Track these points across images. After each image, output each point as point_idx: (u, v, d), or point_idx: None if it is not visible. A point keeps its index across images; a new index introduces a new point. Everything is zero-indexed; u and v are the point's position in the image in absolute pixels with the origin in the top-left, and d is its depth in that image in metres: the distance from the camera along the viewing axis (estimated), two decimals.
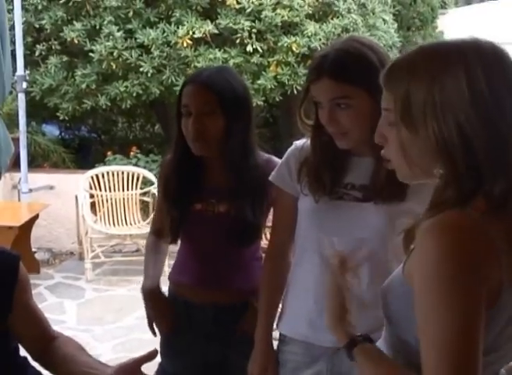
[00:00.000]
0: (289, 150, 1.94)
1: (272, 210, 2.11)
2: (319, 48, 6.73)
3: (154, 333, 2.29)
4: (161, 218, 2.25)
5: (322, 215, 1.81)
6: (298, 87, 6.82)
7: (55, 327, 4.93)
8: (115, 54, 6.75)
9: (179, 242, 2.26)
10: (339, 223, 1.79)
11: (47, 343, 1.96)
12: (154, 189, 6.44)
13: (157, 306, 2.25)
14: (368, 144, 1.66)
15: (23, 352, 1.99)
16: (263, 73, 6.77)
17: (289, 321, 1.93)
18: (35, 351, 1.95)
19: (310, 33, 6.77)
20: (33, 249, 6.29)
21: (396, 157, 1.28)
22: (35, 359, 1.97)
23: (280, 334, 1.96)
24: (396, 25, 7.93)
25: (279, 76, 6.74)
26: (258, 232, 2.15)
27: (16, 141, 6.25)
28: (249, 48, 6.76)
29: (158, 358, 2.21)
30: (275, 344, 1.99)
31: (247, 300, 2.16)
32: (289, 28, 6.96)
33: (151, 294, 2.25)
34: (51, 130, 9.61)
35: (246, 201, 2.06)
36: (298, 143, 1.93)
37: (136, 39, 6.84)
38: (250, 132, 2.11)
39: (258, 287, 2.02)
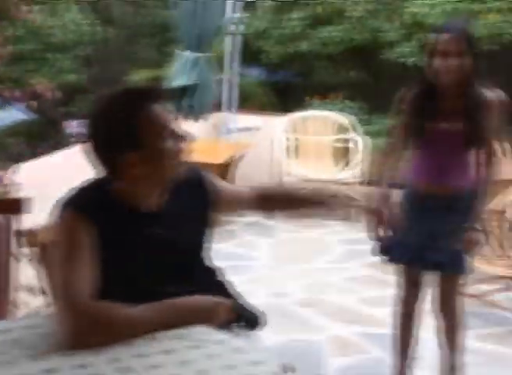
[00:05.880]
0: None
1: None
2: None
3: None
4: (395, 138, 2.94)
5: None
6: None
7: (248, 263, 5.16)
8: None
9: None
10: None
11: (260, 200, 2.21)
12: (352, 135, 6.44)
13: (385, 206, 2.85)
14: None
15: None
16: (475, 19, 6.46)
17: None
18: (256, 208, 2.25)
19: None
20: None
21: None
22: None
23: None
24: None
25: (497, 24, 6.39)
26: (480, 139, 2.79)
27: (221, 82, 6.49)
28: None
29: None
30: None
31: (465, 193, 2.84)
32: None
33: (382, 197, 2.86)
34: (255, 73, 9.85)
35: (470, 119, 2.72)
36: None
37: None
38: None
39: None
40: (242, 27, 6.55)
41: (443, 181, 2.87)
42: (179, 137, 1.82)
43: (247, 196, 2.18)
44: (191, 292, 1.82)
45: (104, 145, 1.78)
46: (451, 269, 2.97)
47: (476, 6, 6.46)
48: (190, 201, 1.96)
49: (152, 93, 1.80)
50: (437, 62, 2.68)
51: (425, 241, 2.91)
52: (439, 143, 2.83)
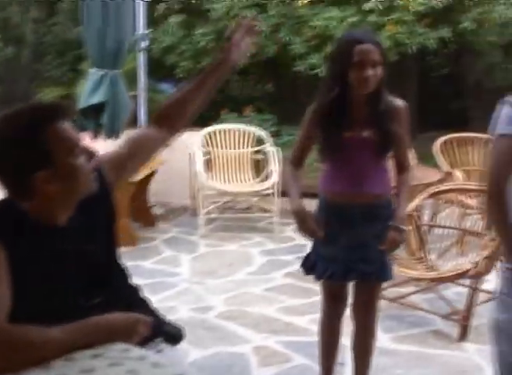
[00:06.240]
0: None
1: None
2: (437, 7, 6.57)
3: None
4: (302, 148, 2.97)
5: None
6: (414, 47, 6.69)
7: (170, 279, 5.12)
8: (232, 12, 6.81)
9: None
10: None
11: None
12: (267, 147, 6.52)
13: (304, 221, 2.85)
14: None
15: None
16: (379, 31, 6.66)
17: None
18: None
19: None
20: (150, 204, 6.53)
21: None
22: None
23: None
24: None
25: (397, 35, 6.60)
26: (392, 145, 2.86)
27: (135, 98, 6.45)
28: (366, 7, 6.65)
29: None
30: None
31: (384, 200, 2.90)
32: None
33: (298, 213, 2.86)
34: (168, 88, 9.81)
35: (382, 126, 2.78)
36: None
37: None
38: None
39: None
40: (148, 43, 6.53)
41: (361, 190, 2.86)
42: (89, 153, 1.81)
43: (151, 134, 2.16)
44: (111, 304, 1.81)
45: (11, 166, 1.74)
46: (379, 278, 3.01)
47: (380, 19, 6.66)
48: (99, 207, 1.95)
49: (58, 110, 1.78)
50: (356, 72, 2.69)
51: (350, 253, 2.90)
52: (353, 152, 2.83)
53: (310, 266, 3.02)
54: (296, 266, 5.07)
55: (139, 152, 2.12)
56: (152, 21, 7.20)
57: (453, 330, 3.98)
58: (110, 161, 2.02)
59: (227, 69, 2.22)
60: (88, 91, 5.52)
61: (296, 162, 2.99)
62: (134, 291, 2.11)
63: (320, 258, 2.97)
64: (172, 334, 2.08)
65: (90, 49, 5.57)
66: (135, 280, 2.13)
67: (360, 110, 2.81)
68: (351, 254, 2.90)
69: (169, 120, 2.17)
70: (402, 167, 2.94)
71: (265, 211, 6.44)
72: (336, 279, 2.98)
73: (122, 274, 2.06)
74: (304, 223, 2.86)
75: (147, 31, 6.46)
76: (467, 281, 3.97)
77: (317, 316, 4.14)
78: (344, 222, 2.89)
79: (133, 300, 2.06)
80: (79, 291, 1.84)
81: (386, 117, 2.79)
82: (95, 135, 5.61)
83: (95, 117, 5.55)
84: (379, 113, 2.79)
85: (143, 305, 2.09)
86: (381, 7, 6.66)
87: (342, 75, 2.73)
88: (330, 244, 2.91)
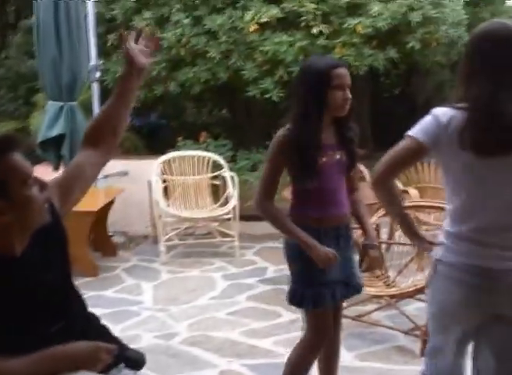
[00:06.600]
0: None
1: None
2: (384, 28, 6.72)
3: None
4: (273, 182, 2.93)
5: None
6: (363, 68, 6.83)
7: (133, 307, 5.09)
8: (183, 40, 6.88)
9: None
10: None
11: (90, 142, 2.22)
12: (224, 173, 6.57)
13: (319, 248, 2.83)
14: None
15: None
16: (329, 54, 6.79)
17: None
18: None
19: (375, 14, 6.74)
20: (110, 233, 6.51)
21: None
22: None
23: None
24: (462, 1, 7.80)
25: (344, 58, 6.74)
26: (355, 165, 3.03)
27: None
28: (314, 31, 6.77)
29: None
30: None
31: (349, 219, 3.02)
32: (354, 9, 6.93)
33: (311, 243, 2.84)
34: None
35: (349, 148, 2.92)
36: None
37: (203, 25, 6.95)
38: None
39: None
40: (100, 74, 6.54)
41: (340, 211, 2.94)
42: (41, 184, 1.84)
43: (90, 155, 2.17)
44: (71, 330, 1.83)
45: None
46: (359, 290, 3.12)
47: (329, 42, 6.80)
48: (52, 236, 1.96)
49: (11, 142, 1.81)
50: (335, 94, 2.78)
51: (343, 271, 2.95)
52: (329, 176, 2.89)
53: (300, 298, 2.95)
54: (259, 289, 5.15)
55: (82, 175, 2.14)
56: (103, 52, 7.22)
57: (416, 345, 4.04)
58: (55, 187, 2.04)
59: (139, 75, 2.25)
60: (47, 124, 5.52)
61: (270, 196, 2.93)
62: (93, 317, 2.13)
63: (318, 285, 2.91)
64: (134, 359, 2.10)
65: (46, 82, 5.58)
66: (97, 310, 2.15)
67: (330, 133, 2.89)
68: (344, 272, 2.96)
69: (102, 139, 2.19)
70: (353, 187, 3.05)
71: (225, 235, 6.46)
72: (339, 298, 3.03)
73: (79, 300, 2.07)
74: (321, 250, 2.83)
75: (99, 62, 6.48)
76: None
77: (281, 337, 4.20)
78: (332, 244, 2.90)
79: (92, 326, 2.07)
80: (38, 320, 1.85)
81: (354, 139, 2.95)
82: (56, 166, 5.62)
83: (55, 149, 5.55)
84: (349, 135, 2.92)
85: (104, 332, 2.11)
86: (327, 31, 6.78)
87: (320, 99, 2.79)
88: (320, 270, 2.86)
